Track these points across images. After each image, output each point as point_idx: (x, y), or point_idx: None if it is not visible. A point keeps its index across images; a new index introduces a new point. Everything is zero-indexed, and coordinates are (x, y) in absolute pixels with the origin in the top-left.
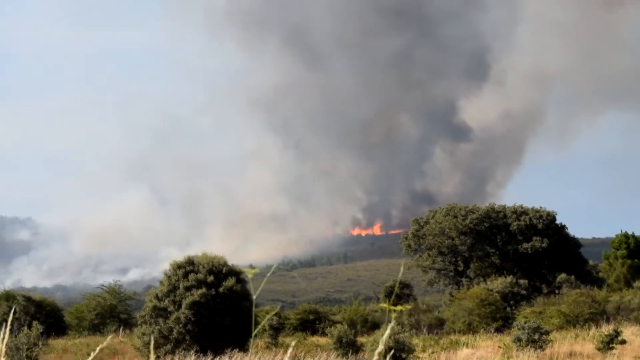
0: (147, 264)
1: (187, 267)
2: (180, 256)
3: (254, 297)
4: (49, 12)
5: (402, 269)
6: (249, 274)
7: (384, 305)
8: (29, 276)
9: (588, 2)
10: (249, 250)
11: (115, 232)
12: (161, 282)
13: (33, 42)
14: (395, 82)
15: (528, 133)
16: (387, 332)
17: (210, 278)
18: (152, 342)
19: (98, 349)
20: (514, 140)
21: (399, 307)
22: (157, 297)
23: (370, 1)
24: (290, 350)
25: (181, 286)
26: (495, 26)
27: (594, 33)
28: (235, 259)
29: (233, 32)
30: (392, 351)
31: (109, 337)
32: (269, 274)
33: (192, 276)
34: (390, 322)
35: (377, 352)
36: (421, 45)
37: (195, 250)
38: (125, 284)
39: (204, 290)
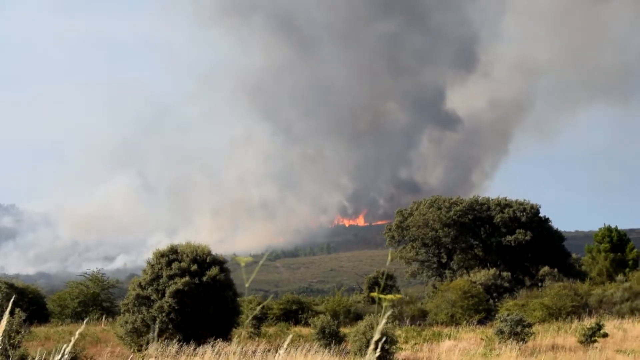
0: (132, 252)
1: (171, 255)
2: (164, 244)
3: (246, 285)
4: (33, 2)
5: (389, 257)
6: (241, 262)
7: (375, 294)
8: (12, 263)
9: None
10: (233, 239)
11: (100, 220)
12: (144, 271)
13: (17, 31)
14: (384, 69)
15: (514, 124)
16: (383, 321)
17: (194, 267)
18: (157, 330)
19: (77, 332)
20: (500, 131)
21: (389, 296)
22: (140, 285)
23: None
24: (285, 344)
25: (164, 275)
26: (484, 15)
27: (581, 27)
28: (219, 249)
29: (220, 18)
30: (384, 338)
31: (84, 323)
32: (260, 262)
33: (175, 265)
34: (385, 312)
35: (373, 340)
36: (410, 32)
37: (180, 238)
38: (109, 272)
39: (187, 279)
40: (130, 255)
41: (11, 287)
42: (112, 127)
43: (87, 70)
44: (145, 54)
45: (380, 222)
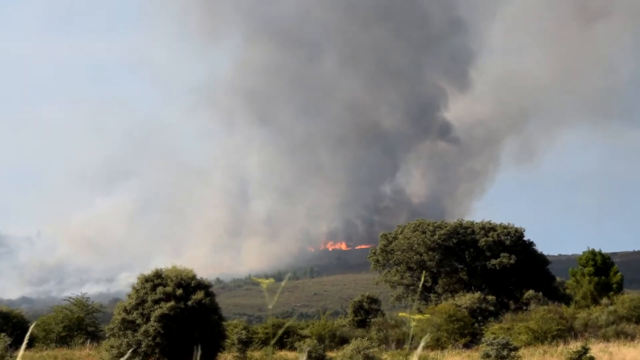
0: (113, 276)
1: (155, 280)
2: (144, 268)
3: (269, 307)
4: (18, 24)
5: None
6: (263, 284)
7: (404, 314)
8: None
9: (567, 14)
10: (216, 262)
11: (84, 243)
12: (129, 295)
13: (2, 53)
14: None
15: (499, 145)
16: (422, 344)
17: (179, 291)
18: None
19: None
20: (485, 151)
21: (418, 316)
22: (125, 309)
23: None
24: None
25: (149, 299)
26: (476, 29)
27: (571, 48)
28: (202, 272)
29: (203, 26)
30: None
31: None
32: (283, 284)
33: (160, 289)
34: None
35: None
36: (403, 41)
37: (162, 262)
38: (92, 297)
39: (172, 303)
40: (112, 280)
41: None
42: (96, 148)
43: (69, 91)
44: (128, 73)
45: (363, 246)
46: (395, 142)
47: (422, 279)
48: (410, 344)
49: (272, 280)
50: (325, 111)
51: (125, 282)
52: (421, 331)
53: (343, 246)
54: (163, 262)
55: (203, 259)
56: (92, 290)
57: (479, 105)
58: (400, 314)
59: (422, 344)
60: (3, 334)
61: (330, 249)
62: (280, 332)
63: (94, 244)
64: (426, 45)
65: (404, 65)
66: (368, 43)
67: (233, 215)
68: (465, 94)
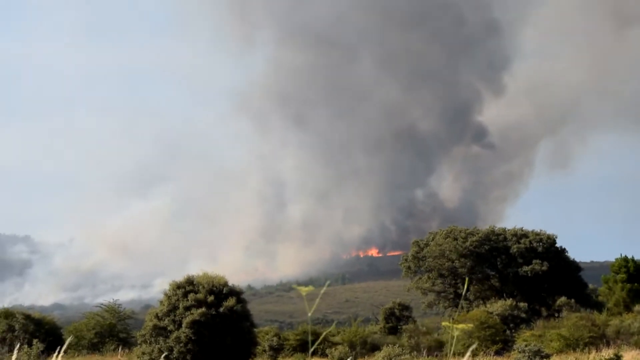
0: (146, 283)
1: (187, 286)
2: (178, 274)
3: (309, 314)
4: (52, 33)
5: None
6: (302, 292)
7: (447, 323)
8: (27, 294)
9: (601, 17)
10: (247, 270)
11: (117, 250)
12: (161, 302)
13: (35, 62)
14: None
15: (533, 149)
16: (467, 354)
17: (211, 298)
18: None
19: None
20: (518, 154)
21: (461, 326)
22: (157, 316)
23: None
24: None
25: (181, 306)
26: (510, 33)
27: (606, 51)
28: (234, 279)
29: (237, 30)
30: None
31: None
32: (322, 291)
33: (191, 296)
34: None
35: None
36: (437, 45)
37: (193, 268)
38: (124, 303)
39: (204, 310)
40: (141, 287)
41: (28, 318)
42: (129, 154)
43: (101, 98)
44: (160, 80)
45: (394, 253)
46: (430, 146)
47: (465, 286)
48: (442, 351)
49: (311, 287)
50: (360, 114)
51: (158, 289)
52: (452, 338)
53: (374, 253)
54: (196, 267)
55: (235, 265)
56: (124, 296)
57: (513, 109)
58: (443, 323)
59: (467, 353)
60: (36, 340)
61: (361, 256)
62: (319, 339)
63: (127, 249)
64: (461, 48)
65: (439, 68)
66: (403, 46)
67: (267, 220)
68: (500, 97)
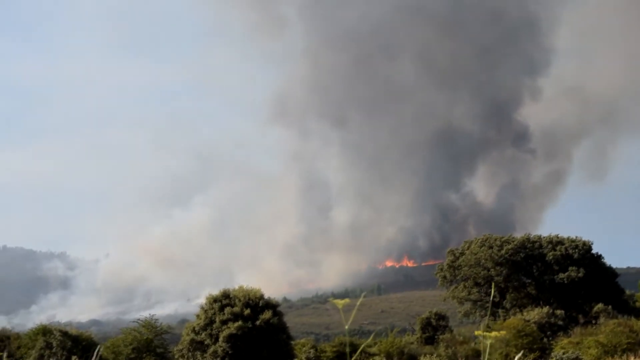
0: (183, 298)
1: (223, 300)
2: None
3: (346, 327)
4: (83, 50)
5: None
6: (338, 305)
7: (479, 332)
8: (64, 311)
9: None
10: (281, 283)
11: (152, 265)
12: (198, 316)
13: (67, 79)
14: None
15: (570, 153)
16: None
17: (247, 311)
18: None
19: None
20: (555, 158)
21: (494, 334)
22: (194, 330)
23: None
24: None
25: (217, 320)
26: (547, 36)
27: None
28: (268, 292)
29: (270, 34)
30: None
31: None
32: (357, 304)
33: (228, 310)
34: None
35: None
36: (476, 48)
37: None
38: (160, 318)
39: (240, 323)
40: (179, 301)
41: (65, 334)
42: (165, 167)
43: (134, 113)
44: (194, 93)
45: (429, 263)
46: (467, 148)
47: (492, 292)
48: (479, 359)
49: (347, 300)
50: (399, 117)
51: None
52: (490, 347)
53: (410, 263)
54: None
55: (273, 277)
56: (161, 311)
57: (550, 112)
58: (476, 332)
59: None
60: (74, 357)
61: (396, 266)
62: (357, 351)
63: (164, 263)
64: (499, 49)
65: (477, 69)
66: (441, 47)
67: (305, 230)
68: (537, 100)
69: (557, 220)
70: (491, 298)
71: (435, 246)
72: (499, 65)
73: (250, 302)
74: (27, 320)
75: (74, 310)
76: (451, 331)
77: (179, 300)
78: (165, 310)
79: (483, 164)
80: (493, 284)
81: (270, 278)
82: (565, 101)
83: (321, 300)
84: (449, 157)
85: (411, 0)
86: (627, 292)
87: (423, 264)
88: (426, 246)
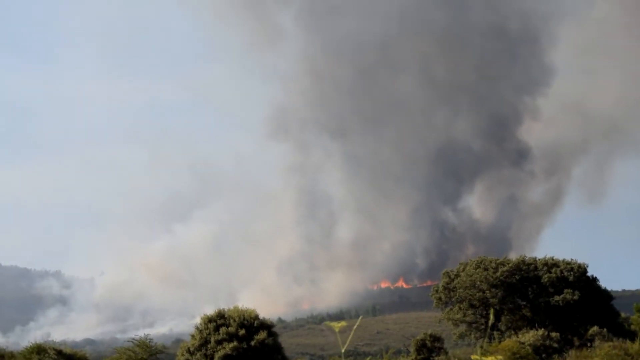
0: (178, 317)
1: (218, 320)
2: (207, 310)
3: (342, 350)
4: (77, 66)
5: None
6: (335, 328)
7: (476, 356)
8: (58, 330)
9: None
10: (276, 303)
11: (147, 284)
12: (193, 336)
13: (61, 96)
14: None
15: (566, 173)
16: None
17: (242, 331)
18: None
19: None
20: (552, 178)
21: (491, 358)
22: (189, 350)
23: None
24: None
25: (212, 340)
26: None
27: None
28: (262, 312)
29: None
30: None
31: None
32: (355, 327)
33: (223, 330)
34: None
35: None
36: (477, 62)
37: (224, 301)
38: (155, 337)
39: (235, 343)
40: (173, 320)
41: (59, 353)
42: (161, 185)
43: (128, 130)
44: (191, 110)
45: (424, 284)
46: (467, 166)
47: (491, 317)
48: None
49: (344, 323)
50: (399, 131)
51: (190, 322)
52: None
53: (405, 284)
54: (230, 298)
55: (266, 298)
56: (155, 330)
57: (550, 129)
58: (473, 357)
59: None
60: None
61: (392, 287)
62: None
63: (161, 282)
64: (500, 67)
65: (479, 87)
66: (442, 62)
67: (305, 246)
68: (537, 117)
69: (553, 241)
70: (489, 323)
71: (432, 266)
72: (499, 81)
73: (245, 322)
74: (21, 339)
75: (69, 329)
76: (446, 353)
77: (174, 319)
78: (160, 329)
79: (482, 181)
80: (492, 310)
81: (267, 296)
82: (565, 118)
83: (316, 321)
84: (449, 172)
85: (412, 14)
86: (622, 315)
87: (418, 285)
88: (423, 266)
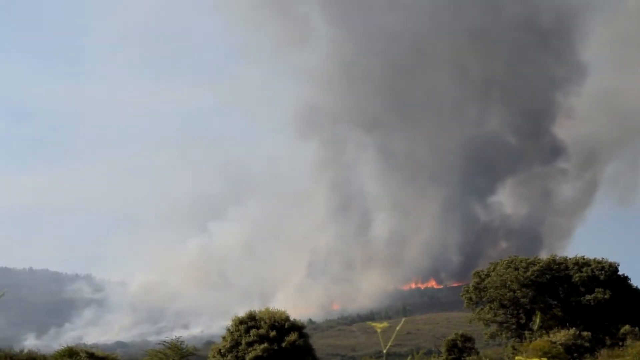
0: (209, 318)
1: (249, 322)
2: (238, 312)
3: (384, 351)
4: (108, 72)
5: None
6: (377, 328)
7: (520, 358)
8: (89, 332)
9: None
10: (307, 304)
11: (174, 288)
12: (224, 338)
13: (92, 102)
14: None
15: (600, 170)
16: None
17: (273, 333)
18: None
19: None
20: (584, 175)
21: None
22: (220, 352)
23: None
24: None
25: (243, 342)
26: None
27: None
28: (293, 314)
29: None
30: None
31: None
32: (398, 327)
33: (254, 331)
34: None
35: None
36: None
37: (254, 306)
38: (186, 340)
39: (266, 345)
40: (204, 323)
41: (92, 356)
42: (193, 187)
43: (158, 135)
44: (221, 112)
45: (455, 284)
46: (500, 162)
47: (538, 320)
48: None
49: (386, 324)
50: (432, 125)
51: (220, 324)
52: None
53: (434, 284)
54: (262, 300)
55: (298, 300)
56: (185, 332)
57: (583, 126)
58: (517, 358)
59: None
60: None
61: (422, 288)
62: None
63: (191, 285)
64: (534, 62)
65: (512, 83)
66: (475, 56)
67: (337, 246)
68: (570, 113)
69: (584, 239)
70: (535, 326)
71: (464, 264)
72: (532, 76)
73: (276, 323)
74: (53, 342)
75: (99, 332)
76: (477, 353)
77: (207, 320)
78: (193, 330)
79: (514, 177)
80: (538, 314)
81: (299, 297)
82: (598, 114)
83: (347, 322)
84: (482, 168)
85: (444, 8)
86: None
87: (448, 285)
88: (456, 262)
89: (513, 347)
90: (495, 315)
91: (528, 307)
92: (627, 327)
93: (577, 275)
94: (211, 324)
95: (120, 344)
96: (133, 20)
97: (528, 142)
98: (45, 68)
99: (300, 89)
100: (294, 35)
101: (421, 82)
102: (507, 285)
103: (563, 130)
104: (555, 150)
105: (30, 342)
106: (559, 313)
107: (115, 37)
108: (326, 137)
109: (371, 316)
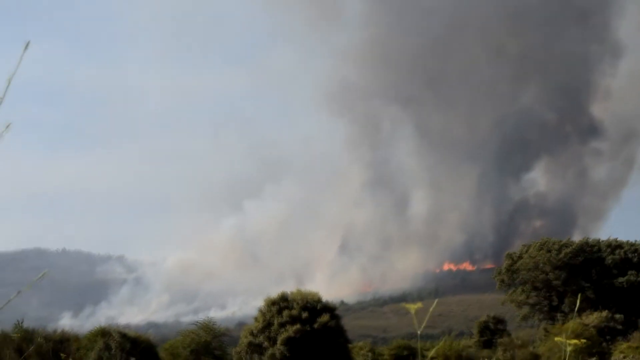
0: (243, 298)
1: (282, 303)
2: (271, 292)
3: (419, 332)
4: (139, 56)
5: None
6: (411, 309)
7: (559, 338)
8: (122, 313)
9: None
10: (341, 285)
11: (207, 268)
12: (256, 319)
13: (123, 86)
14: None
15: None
16: None
17: (305, 314)
18: None
19: None
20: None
21: (574, 341)
22: (252, 333)
23: None
24: None
25: (275, 322)
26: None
27: None
28: (326, 295)
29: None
30: None
31: None
32: (431, 309)
33: (286, 312)
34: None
35: None
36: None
37: (288, 286)
38: (220, 319)
39: (298, 326)
40: (241, 301)
41: (124, 336)
42: (224, 171)
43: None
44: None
45: (487, 266)
46: (534, 141)
47: (578, 303)
48: None
49: (420, 304)
50: (467, 100)
51: (252, 305)
52: (548, 350)
53: (467, 266)
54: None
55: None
56: (217, 313)
57: (618, 106)
58: (556, 339)
59: None
60: (133, 359)
61: (454, 270)
62: (430, 354)
63: (224, 266)
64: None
65: (549, 61)
66: (513, 34)
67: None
68: (608, 92)
69: (618, 220)
70: (577, 308)
71: (497, 245)
72: (568, 54)
73: (308, 305)
74: (85, 322)
75: (132, 312)
76: (509, 335)
77: (238, 302)
78: (227, 311)
79: (550, 155)
80: (580, 295)
81: (332, 278)
82: (635, 94)
83: (379, 304)
84: (518, 145)
85: None
86: None
87: (480, 267)
88: (488, 245)
89: (545, 329)
90: (528, 297)
91: (560, 289)
92: None
93: (610, 257)
94: (244, 305)
95: (152, 325)
96: (165, 3)
97: (564, 120)
98: (80, 53)
99: (334, 68)
100: (326, 13)
101: (456, 59)
102: (540, 267)
103: (599, 109)
104: (591, 129)
105: (65, 322)
106: (592, 295)
107: (148, 20)
108: (361, 114)
109: (403, 297)
